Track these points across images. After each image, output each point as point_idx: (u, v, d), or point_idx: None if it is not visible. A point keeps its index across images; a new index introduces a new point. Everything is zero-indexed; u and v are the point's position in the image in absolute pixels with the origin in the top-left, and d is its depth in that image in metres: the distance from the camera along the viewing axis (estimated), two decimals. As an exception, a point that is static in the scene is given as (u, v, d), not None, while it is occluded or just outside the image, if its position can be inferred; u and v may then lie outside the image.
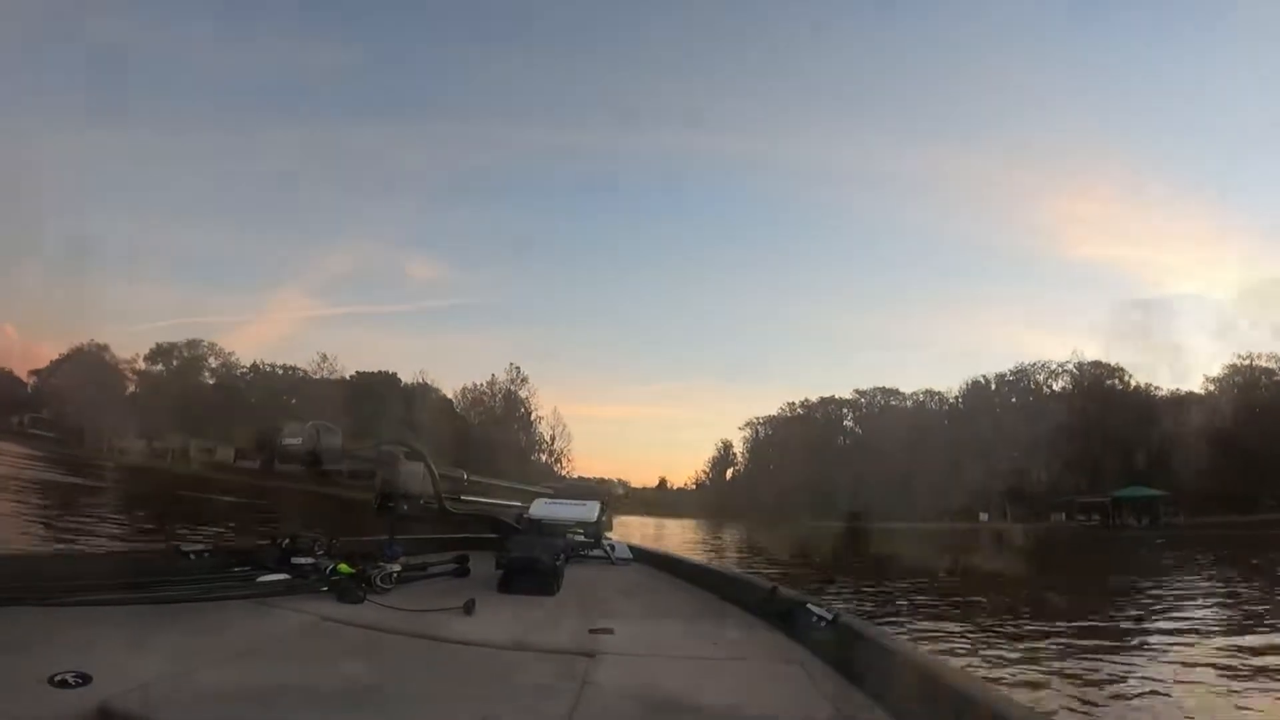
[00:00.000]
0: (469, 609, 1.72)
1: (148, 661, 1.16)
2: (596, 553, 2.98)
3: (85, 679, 1.01)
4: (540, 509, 3.04)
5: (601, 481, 3.43)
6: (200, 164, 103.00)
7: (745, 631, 1.77)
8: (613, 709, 1.17)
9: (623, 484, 3.47)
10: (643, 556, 3.11)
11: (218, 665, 1.21)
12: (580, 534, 2.95)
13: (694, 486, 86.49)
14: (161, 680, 1.10)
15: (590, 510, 3.05)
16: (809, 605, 1.70)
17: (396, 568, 1.96)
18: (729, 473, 78.70)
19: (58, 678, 1.00)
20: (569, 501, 3.17)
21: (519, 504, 3.23)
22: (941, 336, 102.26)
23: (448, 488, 2.35)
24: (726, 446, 77.95)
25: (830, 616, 1.59)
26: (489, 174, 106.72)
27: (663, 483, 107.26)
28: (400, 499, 2.14)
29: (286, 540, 1.98)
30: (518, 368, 59.71)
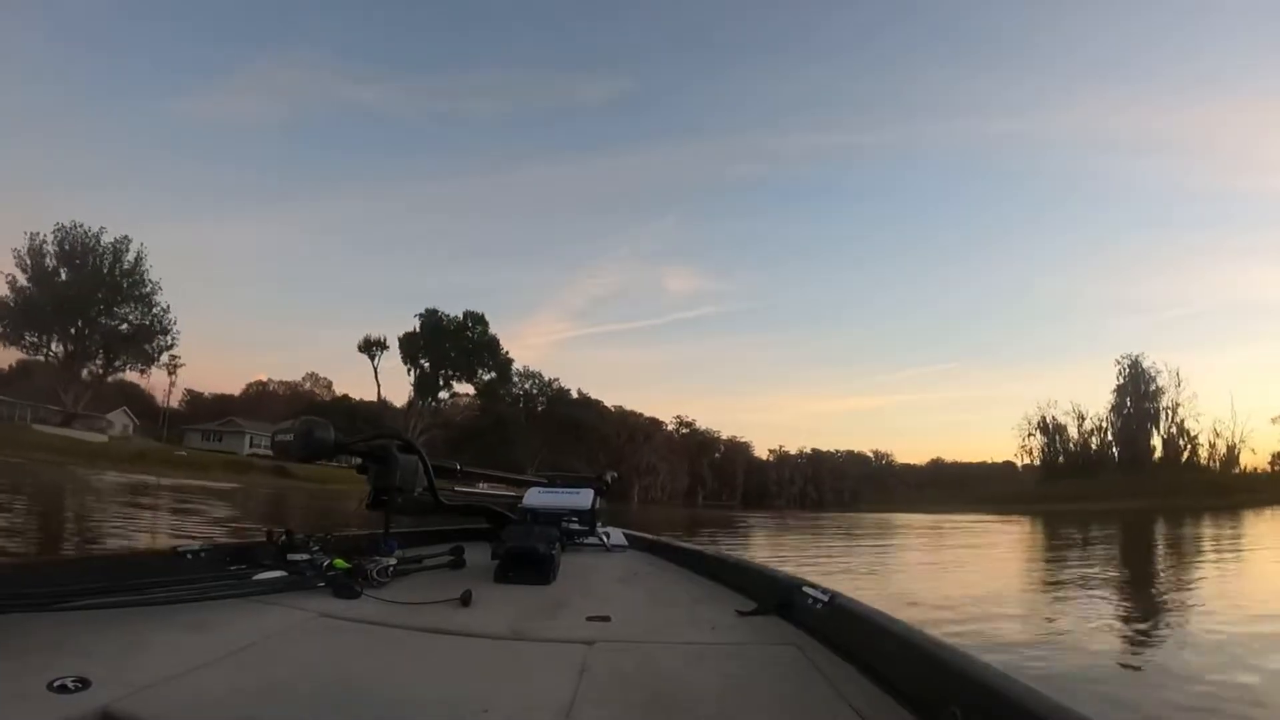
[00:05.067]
0: (466, 600, 1.72)
1: (147, 664, 1.16)
2: (591, 540, 3.00)
3: (85, 683, 1.01)
4: (534, 497, 3.06)
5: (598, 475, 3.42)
6: (459, 206, 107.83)
7: (743, 615, 1.78)
8: (612, 694, 1.18)
9: (611, 472, 3.47)
10: (638, 543, 3.14)
11: (217, 665, 1.21)
12: (575, 522, 2.96)
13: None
14: (161, 682, 1.09)
15: (584, 498, 3.07)
16: (805, 588, 1.72)
17: (392, 561, 1.96)
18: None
19: (57, 683, 1.00)
20: (563, 490, 3.18)
21: (512, 493, 3.24)
22: (1193, 295, 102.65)
23: (441, 479, 2.35)
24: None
25: (826, 598, 1.60)
26: (747, 184, 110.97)
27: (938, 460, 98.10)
28: (395, 492, 2.13)
29: (282, 537, 1.97)
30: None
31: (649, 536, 3.21)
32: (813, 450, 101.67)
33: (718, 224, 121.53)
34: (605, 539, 3.05)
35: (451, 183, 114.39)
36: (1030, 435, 76.48)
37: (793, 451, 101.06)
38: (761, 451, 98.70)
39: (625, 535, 3.18)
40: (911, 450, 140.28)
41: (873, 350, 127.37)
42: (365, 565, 1.87)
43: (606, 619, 1.69)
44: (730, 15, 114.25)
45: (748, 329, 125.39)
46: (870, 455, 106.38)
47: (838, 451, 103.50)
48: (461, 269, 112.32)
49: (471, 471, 3.00)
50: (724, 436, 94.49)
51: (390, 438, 2.18)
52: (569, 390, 74.83)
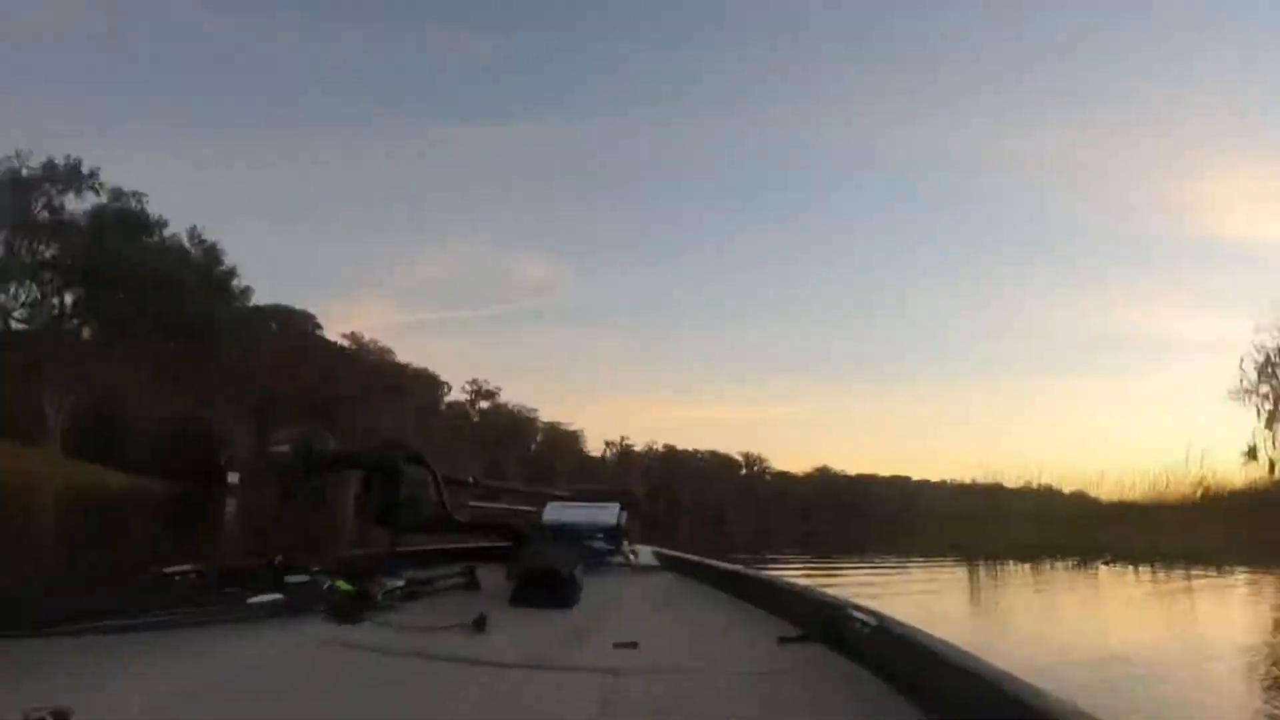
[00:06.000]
0: (480, 625, 1.62)
1: (131, 694, 1.08)
2: (617, 559, 2.86)
3: (64, 715, 0.91)
4: (554, 513, 2.94)
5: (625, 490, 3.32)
6: (288, 167, 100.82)
7: (784, 642, 1.68)
8: None
9: (638, 488, 3.36)
10: (669, 563, 3.00)
11: (205, 695, 1.12)
12: (599, 539, 2.84)
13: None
14: (145, 714, 1.01)
15: (610, 513, 2.94)
16: (852, 611, 1.61)
17: (400, 583, 1.87)
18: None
19: (35, 714, 0.90)
20: (586, 505, 3.07)
21: (531, 509, 3.14)
22: (1061, 321, 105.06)
23: (452, 493, 2.25)
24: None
25: (875, 622, 1.50)
26: (627, 171, 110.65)
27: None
28: (402, 508, 2.04)
29: (279, 558, 1.88)
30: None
31: (681, 556, 3.07)
32: (665, 447, 78.40)
33: (579, 210, 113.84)
34: (632, 558, 2.90)
35: (283, 137, 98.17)
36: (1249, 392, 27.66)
37: (639, 448, 78.55)
38: (596, 444, 76.77)
39: (655, 554, 3.04)
40: (790, 458, 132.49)
41: (750, 356, 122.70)
42: (370, 588, 1.78)
43: (634, 646, 1.57)
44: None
45: (602, 321, 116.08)
46: (739, 458, 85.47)
47: (699, 452, 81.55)
48: (280, 238, 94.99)
49: (489, 485, 2.92)
50: (543, 420, 70.53)
51: (397, 449, 2.10)
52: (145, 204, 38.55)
